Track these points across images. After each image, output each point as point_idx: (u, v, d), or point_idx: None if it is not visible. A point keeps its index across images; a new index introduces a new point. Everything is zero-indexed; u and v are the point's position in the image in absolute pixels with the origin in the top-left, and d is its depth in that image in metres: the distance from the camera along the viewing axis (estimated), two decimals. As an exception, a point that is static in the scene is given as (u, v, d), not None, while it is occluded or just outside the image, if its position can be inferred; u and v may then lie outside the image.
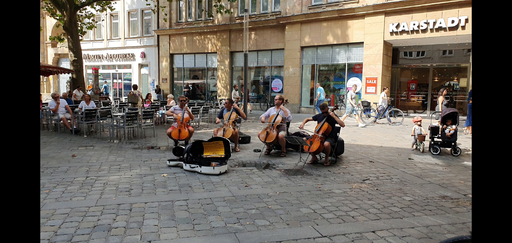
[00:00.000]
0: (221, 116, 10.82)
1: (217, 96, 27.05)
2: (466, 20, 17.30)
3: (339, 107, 20.33)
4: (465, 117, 18.30)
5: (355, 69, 21.39)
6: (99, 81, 29.55)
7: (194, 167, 7.69)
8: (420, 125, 10.86)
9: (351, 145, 11.44)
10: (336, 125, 8.99)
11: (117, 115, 13.01)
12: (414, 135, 10.78)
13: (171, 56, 29.83)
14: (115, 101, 21.71)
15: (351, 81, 21.39)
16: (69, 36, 20.10)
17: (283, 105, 10.01)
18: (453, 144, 9.85)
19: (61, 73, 22.67)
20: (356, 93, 18.67)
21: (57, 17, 22.41)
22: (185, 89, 29.07)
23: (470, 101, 15.18)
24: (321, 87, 21.37)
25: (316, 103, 21.08)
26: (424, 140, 10.70)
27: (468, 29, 17.29)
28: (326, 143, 8.37)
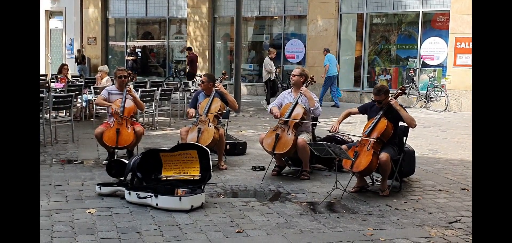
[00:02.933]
0: (194, 105, 6.94)
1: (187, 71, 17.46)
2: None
3: (408, 91, 13.43)
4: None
5: (437, 24, 14.32)
6: None
7: (145, 197, 4.78)
8: None
9: (429, 158, 7.50)
10: (402, 123, 5.64)
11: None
12: None
13: (105, -2, 19.35)
14: None
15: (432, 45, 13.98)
16: None
17: (307, 87, 6.31)
18: None
19: None
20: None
21: None
22: (130, 58, 18.45)
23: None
24: (331, 55, 14.17)
25: (323, 85, 13.86)
26: None
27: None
28: (384, 156, 5.26)
